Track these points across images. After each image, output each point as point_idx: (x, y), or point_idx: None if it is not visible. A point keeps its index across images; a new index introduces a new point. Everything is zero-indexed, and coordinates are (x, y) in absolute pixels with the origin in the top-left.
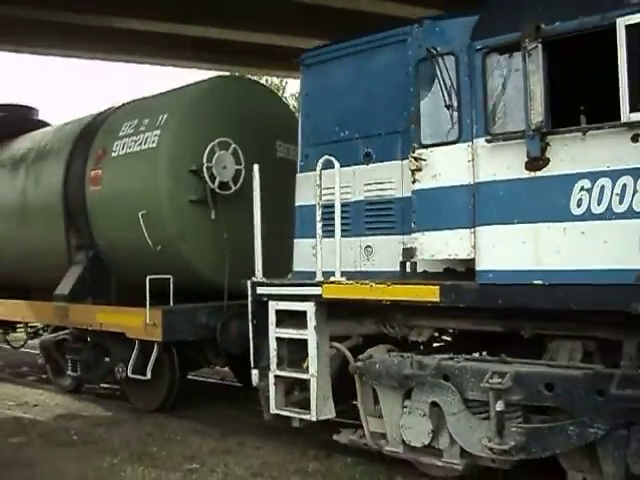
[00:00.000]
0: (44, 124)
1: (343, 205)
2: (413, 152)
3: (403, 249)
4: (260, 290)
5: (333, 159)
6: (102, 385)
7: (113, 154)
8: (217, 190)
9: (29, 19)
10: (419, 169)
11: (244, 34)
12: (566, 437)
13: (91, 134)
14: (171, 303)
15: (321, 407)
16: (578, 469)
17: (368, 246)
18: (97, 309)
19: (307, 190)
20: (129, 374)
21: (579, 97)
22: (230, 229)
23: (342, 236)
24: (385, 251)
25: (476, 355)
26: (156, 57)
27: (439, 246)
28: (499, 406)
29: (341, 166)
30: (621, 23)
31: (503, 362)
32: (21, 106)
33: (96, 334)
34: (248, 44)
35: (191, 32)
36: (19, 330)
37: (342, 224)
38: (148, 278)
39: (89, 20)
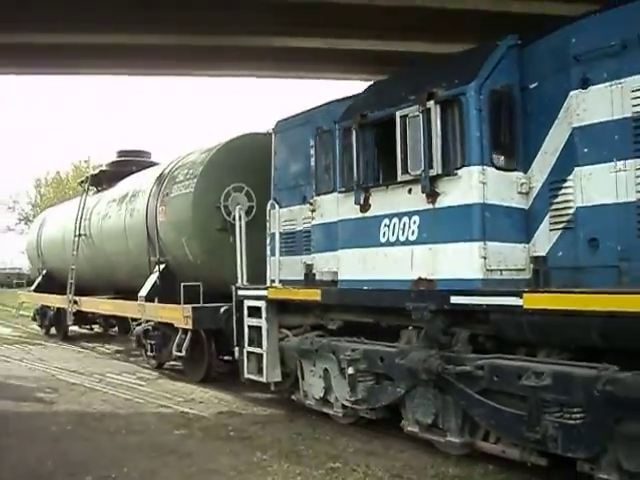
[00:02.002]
0: (152, 164)
1: (291, 233)
2: (311, 198)
3: (305, 264)
4: (239, 292)
5: (275, 202)
6: (172, 363)
7: (172, 195)
8: (232, 221)
9: (200, 45)
10: (314, 210)
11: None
12: (387, 394)
13: (162, 179)
14: (201, 302)
15: (270, 373)
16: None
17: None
18: (159, 306)
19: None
20: (173, 352)
21: (387, 162)
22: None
23: (291, 255)
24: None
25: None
26: (314, 72)
27: (324, 263)
28: (350, 371)
29: (290, 206)
30: (397, 114)
31: (361, 343)
32: (137, 151)
33: (162, 325)
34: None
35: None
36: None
37: (291, 246)
38: (182, 285)
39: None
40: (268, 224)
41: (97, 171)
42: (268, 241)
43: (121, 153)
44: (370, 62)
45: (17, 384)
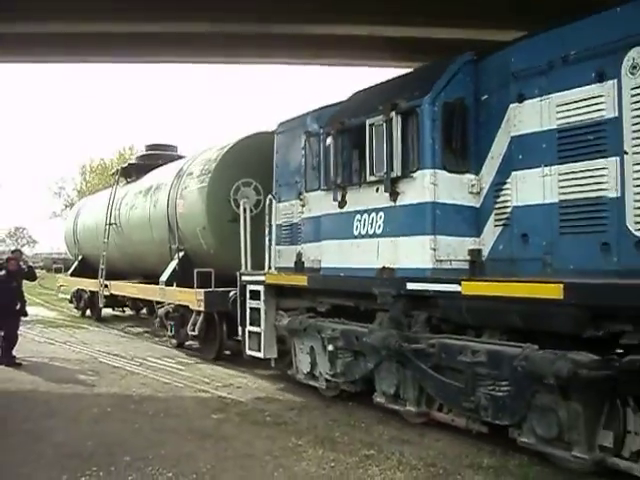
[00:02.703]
0: (179, 157)
1: (289, 225)
2: (301, 194)
3: (296, 253)
4: (243, 278)
5: (273, 197)
6: (189, 342)
7: (188, 189)
8: (248, 214)
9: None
10: (304, 205)
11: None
12: (360, 368)
13: (181, 174)
14: (212, 286)
15: (267, 350)
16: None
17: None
18: (177, 290)
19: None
20: (188, 332)
21: (360, 164)
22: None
23: (288, 244)
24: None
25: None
26: (356, 58)
27: (310, 252)
28: (330, 348)
29: (288, 200)
30: (367, 122)
31: (341, 323)
32: (164, 145)
33: (180, 307)
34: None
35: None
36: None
37: (288, 237)
38: (196, 271)
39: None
40: (267, 217)
41: (127, 164)
42: (267, 232)
43: (149, 147)
44: (411, 50)
45: (61, 366)
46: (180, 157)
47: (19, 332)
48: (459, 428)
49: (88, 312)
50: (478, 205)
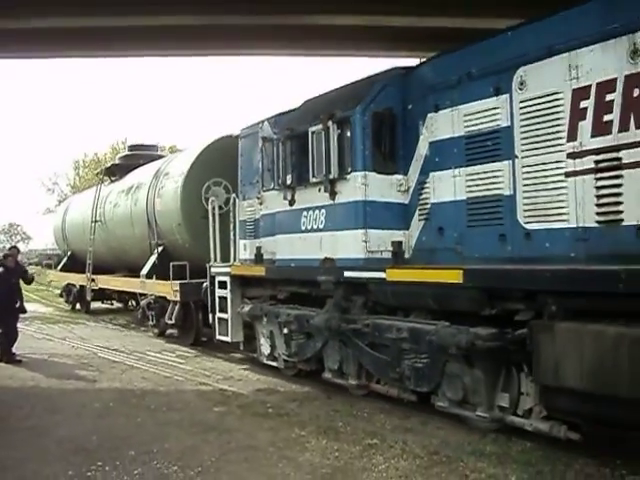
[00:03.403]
0: (159, 156)
1: (252, 221)
2: (259, 193)
3: (256, 247)
4: (212, 269)
5: (237, 196)
6: (170, 331)
7: (165, 188)
8: (217, 211)
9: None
10: (262, 203)
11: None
12: (311, 348)
13: (159, 174)
14: (187, 278)
15: (234, 334)
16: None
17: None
18: (155, 282)
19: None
20: (167, 321)
21: (306, 167)
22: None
23: (251, 238)
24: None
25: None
26: (353, 49)
27: (267, 246)
28: (285, 331)
29: (251, 198)
30: (310, 130)
31: (295, 309)
32: (146, 145)
33: (160, 298)
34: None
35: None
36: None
37: (251, 232)
38: (171, 264)
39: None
40: (232, 213)
41: (110, 164)
42: (232, 227)
43: (131, 147)
44: (413, 39)
45: (61, 362)
46: (160, 156)
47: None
48: (460, 417)
49: (78, 306)
50: (407, 202)
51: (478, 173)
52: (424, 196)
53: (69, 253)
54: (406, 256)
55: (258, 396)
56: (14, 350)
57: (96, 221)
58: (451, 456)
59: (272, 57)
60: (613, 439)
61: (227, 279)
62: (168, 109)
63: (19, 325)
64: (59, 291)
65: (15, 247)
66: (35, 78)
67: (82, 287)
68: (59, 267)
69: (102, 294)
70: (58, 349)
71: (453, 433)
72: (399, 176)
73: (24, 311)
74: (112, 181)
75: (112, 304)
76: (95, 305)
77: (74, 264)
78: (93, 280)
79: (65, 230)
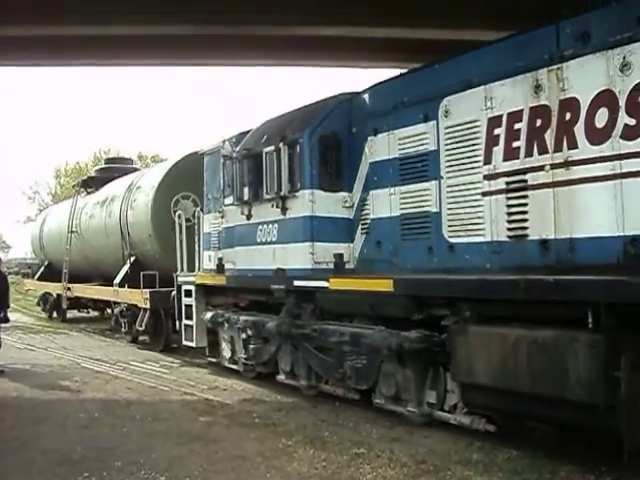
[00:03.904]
0: (134, 169)
1: (215, 233)
2: (221, 208)
3: (218, 257)
4: (179, 279)
5: (201, 210)
6: (142, 338)
7: (137, 201)
8: (184, 223)
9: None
10: (223, 216)
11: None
12: (266, 352)
13: (132, 188)
14: (157, 287)
15: (199, 340)
16: None
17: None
18: (127, 291)
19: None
20: (137, 328)
21: (261, 184)
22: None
23: (215, 250)
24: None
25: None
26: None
27: (228, 256)
28: (243, 336)
29: (214, 212)
30: (264, 150)
31: (253, 315)
32: (121, 158)
33: (132, 306)
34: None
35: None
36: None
37: (215, 243)
38: (141, 273)
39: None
40: (196, 226)
41: (86, 176)
42: (197, 239)
43: (107, 160)
44: (397, 50)
45: (44, 372)
46: (135, 169)
47: None
48: (448, 425)
49: (55, 314)
50: (351, 217)
51: (410, 192)
52: (365, 212)
53: (46, 262)
54: (351, 266)
55: (244, 406)
56: None
57: (72, 232)
58: (438, 465)
59: (258, 67)
60: (527, 430)
61: (192, 288)
62: (153, 117)
63: (1, 335)
64: (37, 300)
65: None
66: (15, 85)
67: (59, 296)
68: (36, 276)
69: (78, 302)
70: (41, 359)
71: (439, 442)
72: (344, 193)
73: (7, 320)
74: (88, 193)
75: (88, 312)
76: (72, 314)
77: (51, 273)
78: (69, 289)
79: (43, 240)
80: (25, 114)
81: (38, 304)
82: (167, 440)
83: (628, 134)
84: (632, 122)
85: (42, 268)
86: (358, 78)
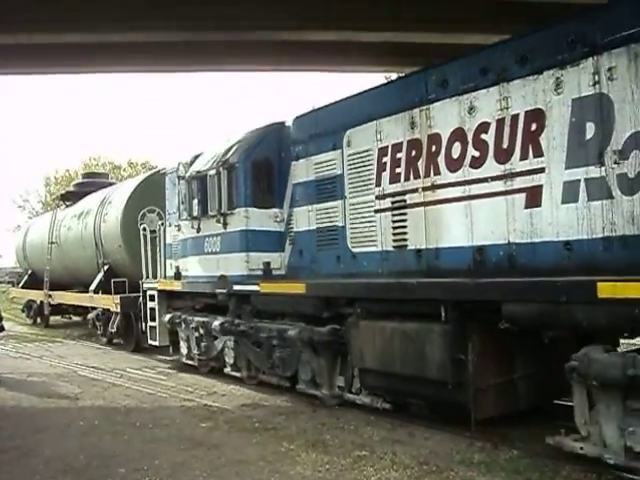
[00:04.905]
0: (110, 184)
1: (174, 244)
2: (177, 222)
3: (176, 266)
4: (144, 285)
5: (162, 224)
6: (116, 340)
7: (109, 214)
8: (148, 235)
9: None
10: (179, 229)
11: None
12: (215, 348)
13: (104, 202)
14: (127, 292)
15: (161, 340)
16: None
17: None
18: (101, 296)
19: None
20: (110, 330)
21: (207, 202)
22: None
23: (175, 259)
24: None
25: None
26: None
27: (182, 265)
28: (196, 334)
29: (173, 225)
30: (208, 173)
31: (204, 316)
32: (97, 173)
33: (106, 310)
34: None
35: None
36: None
37: (173, 253)
38: (112, 280)
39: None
40: (158, 238)
41: (65, 191)
42: (158, 249)
43: (85, 175)
44: (387, 55)
45: (40, 381)
46: (110, 184)
47: None
48: (447, 427)
49: (39, 320)
50: (282, 230)
51: (323, 209)
52: (291, 226)
53: (30, 271)
54: (283, 272)
55: (243, 411)
56: None
57: (53, 242)
58: (441, 466)
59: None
60: (416, 407)
61: (155, 293)
62: (145, 123)
63: None
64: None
65: None
66: (5, 92)
67: (42, 303)
68: (20, 284)
69: (59, 309)
70: (37, 368)
71: (441, 443)
72: (276, 210)
73: (2, 329)
74: (67, 206)
75: (70, 318)
76: (55, 320)
77: (34, 282)
78: (50, 296)
79: (26, 250)
80: (15, 122)
81: (23, 311)
82: (169, 446)
83: (474, 164)
84: (477, 154)
85: (26, 277)
86: (360, 82)
